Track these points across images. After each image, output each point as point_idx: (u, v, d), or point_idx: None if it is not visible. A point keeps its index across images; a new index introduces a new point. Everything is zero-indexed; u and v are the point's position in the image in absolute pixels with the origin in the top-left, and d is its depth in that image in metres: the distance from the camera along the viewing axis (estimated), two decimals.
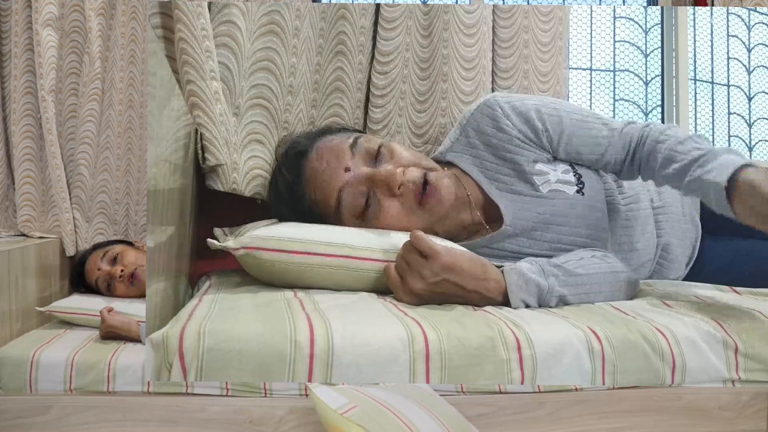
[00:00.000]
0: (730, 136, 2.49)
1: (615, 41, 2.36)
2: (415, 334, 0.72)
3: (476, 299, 0.87)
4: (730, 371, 0.82)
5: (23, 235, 1.61)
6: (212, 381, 1.04)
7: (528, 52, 1.40)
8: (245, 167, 1.15)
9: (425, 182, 1.00)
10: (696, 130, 2.40)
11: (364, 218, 1.00)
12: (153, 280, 0.77)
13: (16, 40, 1.58)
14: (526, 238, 1.06)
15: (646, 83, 2.38)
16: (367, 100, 1.30)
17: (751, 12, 2.52)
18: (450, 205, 1.03)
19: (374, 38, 1.29)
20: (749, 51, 2.52)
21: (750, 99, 2.53)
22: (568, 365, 0.75)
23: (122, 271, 1.48)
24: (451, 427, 0.91)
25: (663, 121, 2.36)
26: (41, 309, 1.41)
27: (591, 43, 2.34)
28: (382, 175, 0.99)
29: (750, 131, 2.54)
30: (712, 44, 2.44)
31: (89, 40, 1.60)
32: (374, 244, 0.93)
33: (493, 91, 1.39)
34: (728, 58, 2.48)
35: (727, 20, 2.48)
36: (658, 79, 2.38)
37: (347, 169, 1.00)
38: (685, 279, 1.21)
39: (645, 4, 2.33)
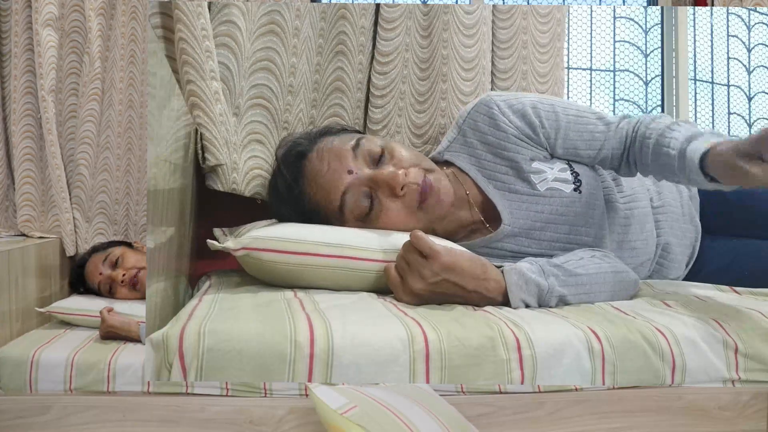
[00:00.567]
0: (730, 136, 2.49)
1: (615, 41, 2.36)
2: (415, 334, 0.72)
3: (476, 299, 0.87)
4: (730, 371, 0.82)
5: (23, 235, 1.61)
6: (212, 381, 1.04)
7: (527, 53, 1.40)
8: (245, 167, 1.15)
9: (425, 183, 1.00)
10: None
11: (365, 219, 1.01)
12: (153, 281, 0.77)
13: (16, 40, 1.58)
14: (525, 237, 1.06)
15: (646, 83, 2.38)
16: (367, 100, 1.30)
17: (751, 12, 2.52)
18: (449, 206, 1.03)
19: (374, 38, 1.29)
20: (749, 51, 2.52)
21: (750, 99, 2.53)
22: (568, 365, 0.75)
23: (124, 275, 1.48)
24: (451, 427, 0.91)
25: None
26: (41, 310, 1.41)
27: (591, 43, 2.34)
28: (385, 176, 0.99)
29: (750, 131, 2.54)
30: (712, 44, 2.44)
31: (89, 40, 1.60)
32: (374, 245, 0.93)
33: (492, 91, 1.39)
34: (728, 58, 2.48)
35: (727, 20, 2.48)
36: (658, 79, 2.38)
37: (350, 171, 1.00)
38: (685, 279, 1.21)
39: (645, 4, 2.33)
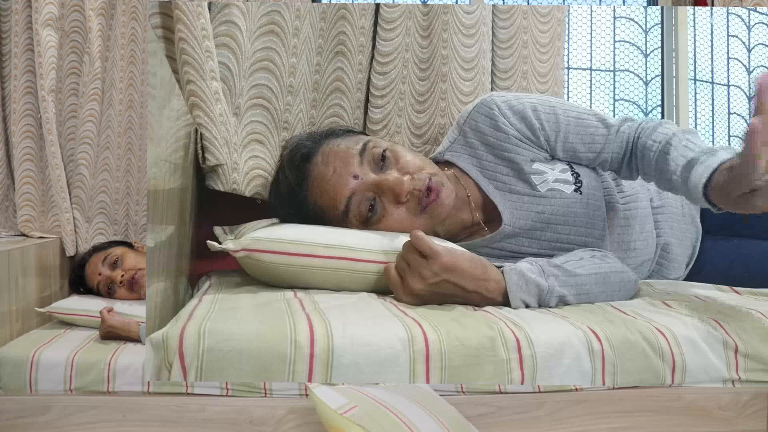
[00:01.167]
0: (730, 136, 2.49)
1: (615, 41, 2.36)
2: (415, 334, 0.72)
3: (476, 299, 0.87)
4: (730, 371, 0.82)
5: (23, 235, 1.61)
6: (212, 381, 1.05)
7: (527, 52, 1.40)
8: (245, 167, 1.15)
9: (429, 189, 1.00)
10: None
11: (368, 223, 1.01)
12: (153, 281, 0.77)
13: (16, 40, 1.58)
14: (525, 238, 1.06)
15: (646, 83, 2.38)
16: (367, 100, 1.30)
17: (751, 12, 2.52)
18: (451, 208, 1.03)
19: (374, 38, 1.29)
20: (749, 51, 2.52)
21: (750, 99, 2.53)
22: (568, 365, 0.75)
23: (123, 276, 1.48)
24: (451, 427, 0.91)
25: None
26: (41, 310, 1.41)
27: (591, 43, 2.34)
28: (390, 183, 0.99)
29: None
30: (712, 44, 2.44)
31: (89, 40, 1.60)
32: (374, 246, 0.93)
33: (492, 91, 1.39)
34: (728, 58, 2.48)
35: (727, 20, 2.48)
36: (658, 79, 2.38)
37: (356, 176, 1.00)
38: (685, 279, 1.21)
39: (645, 4, 2.33)
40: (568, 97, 2.27)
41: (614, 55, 2.36)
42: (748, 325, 0.84)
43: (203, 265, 1.26)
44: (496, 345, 0.73)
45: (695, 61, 2.39)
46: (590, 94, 2.34)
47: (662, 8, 2.30)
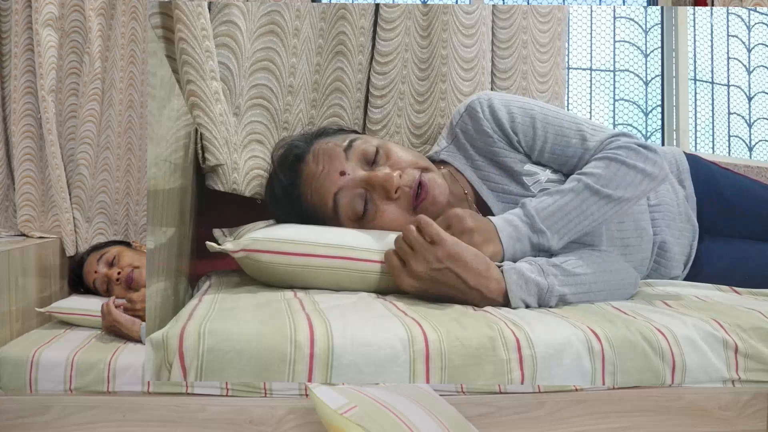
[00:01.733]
0: (730, 136, 2.49)
1: (615, 41, 2.36)
2: (415, 334, 0.72)
3: (476, 298, 0.87)
4: (730, 371, 0.82)
5: (23, 235, 1.61)
6: (212, 381, 1.04)
7: (527, 52, 1.40)
8: (245, 167, 1.15)
9: (420, 183, 1.00)
10: (696, 130, 2.40)
11: (360, 221, 1.01)
12: (153, 281, 0.77)
13: (16, 40, 1.58)
14: None
15: (646, 83, 2.38)
16: (367, 100, 1.30)
17: (751, 12, 2.52)
18: (444, 205, 1.02)
19: (374, 39, 1.29)
20: (749, 51, 2.52)
21: (750, 99, 2.53)
22: (568, 365, 0.75)
23: (119, 273, 1.48)
24: (451, 427, 0.92)
25: (663, 121, 2.36)
26: (41, 310, 1.41)
27: (591, 43, 2.34)
28: (379, 179, 0.99)
29: (750, 131, 2.54)
30: (712, 44, 2.45)
31: (89, 40, 1.60)
32: (373, 245, 0.93)
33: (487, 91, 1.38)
34: (728, 58, 2.48)
35: (727, 20, 2.48)
36: (658, 79, 2.38)
37: (343, 173, 1.00)
38: (685, 279, 1.20)
39: (645, 4, 2.33)
40: (568, 97, 2.27)
41: (614, 55, 2.36)
42: (748, 325, 0.84)
43: (203, 265, 1.26)
44: (496, 345, 0.73)
45: (695, 61, 2.39)
46: (590, 94, 2.34)
47: (662, 8, 2.30)
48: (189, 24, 1.01)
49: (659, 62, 2.37)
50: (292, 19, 1.20)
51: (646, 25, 2.37)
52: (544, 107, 1.11)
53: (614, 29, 2.35)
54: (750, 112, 2.51)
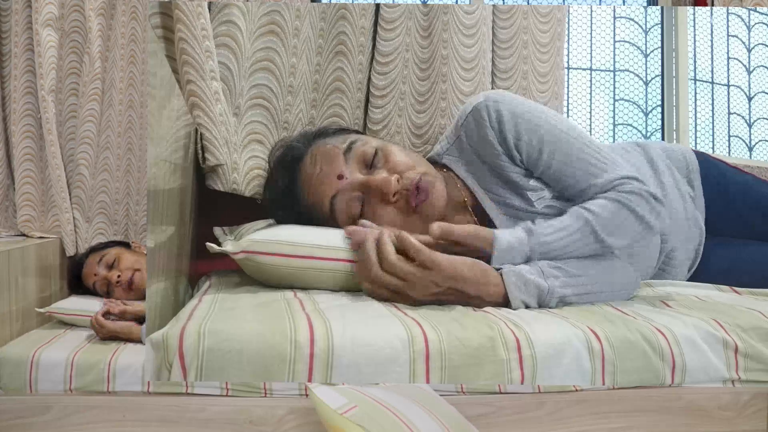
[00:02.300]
0: (730, 136, 2.49)
1: (615, 41, 2.36)
2: (415, 334, 0.72)
3: (477, 303, 0.87)
4: (730, 371, 0.82)
5: (23, 235, 1.61)
6: (212, 381, 1.04)
7: (527, 52, 1.40)
8: (245, 167, 1.15)
9: (418, 188, 0.98)
10: (696, 130, 2.40)
11: (358, 224, 1.00)
12: (153, 281, 0.77)
13: (16, 40, 1.58)
14: None
15: (646, 83, 2.38)
16: (367, 100, 1.30)
17: (751, 12, 2.52)
18: (443, 209, 1.01)
19: (374, 39, 1.29)
20: (749, 51, 2.52)
21: (750, 99, 2.53)
22: (568, 365, 0.75)
23: (119, 276, 1.47)
24: (451, 427, 0.91)
25: (663, 121, 2.36)
26: (41, 310, 1.41)
27: (591, 43, 2.34)
28: (377, 182, 0.98)
29: (750, 131, 2.54)
30: (712, 44, 2.45)
31: (89, 40, 1.60)
32: None
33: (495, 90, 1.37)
34: (728, 58, 2.48)
35: (727, 20, 2.48)
36: (658, 79, 2.38)
37: (341, 176, 0.99)
38: (687, 280, 1.20)
39: (645, 4, 2.33)
40: (568, 97, 2.27)
41: (614, 55, 2.36)
42: (748, 325, 0.84)
43: (203, 265, 1.26)
44: (496, 345, 0.73)
45: (695, 61, 2.39)
46: (590, 94, 2.34)
47: (662, 8, 2.30)
48: (189, 24, 1.01)
49: (659, 62, 2.37)
50: (292, 19, 1.20)
51: (646, 25, 2.37)
52: (554, 126, 1.01)
53: (614, 29, 2.35)
54: (750, 112, 2.51)
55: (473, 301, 0.86)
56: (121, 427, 1.07)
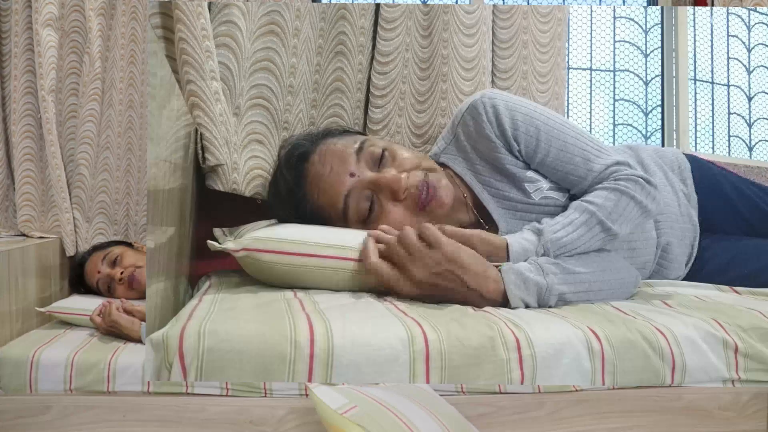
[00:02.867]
0: (730, 136, 2.49)
1: (615, 41, 2.36)
2: (415, 334, 0.72)
3: (475, 299, 0.87)
4: (730, 371, 0.82)
5: (23, 235, 1.61)
6: (212, 381, 1.05)
7: (527, 52, 1.40)
8: (245, 167, 1.15)
9: (427, 185, 1.00)
10: (696, 130, 2.40)
11: (367, 221, 1.01)
12: (153, 281, 0.77)
13: (16, 40, 1.58)
14: None
15: (646, 83, 2.38)
16: (367, 100, 1.30)
17: (751, 12, 2.52)
18: (450, 206, 1.03)
19: (374, 38, 1.29)
20: (749, 51, 2.52)
21: (750, 99, 2.53)
22: (568, 365, 0.75)
23: (122, 273, 1.48)
24: (451, 427, 0.91)
25: (663, 121, 2.36)
26: (41, 309, 1.41)
27: (591, 43, 2.34)
28: (387, 180, 0.99)
29: (750, 131, 2.54)
30: (712, 44, 2.45)
31: (89, 40, 1.60)
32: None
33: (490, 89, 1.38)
34: (728, 58, 2.48)
35: (727, 20, 2.48)
36: (658, 79, 2.38)
37: (352, 174, 1.01)
38: (685, 278, 1.21)
39: (645, 4, 2.33)
40: (568, 97, 2.27)
41: (614, 55, 2.36)
42: (748, 325, 0.84)
43: (203, 265, 1.26)
44: (496, 345, 0.73)
45: (695, 61, 2.40)
46: (590, 94, 2.34)
47: (662, 8, 2.30)
48: (189, 24, 1.01)
49: (659, 62, 2.37)
50: (292, 19, 1.20)
51: (646, 25, 2.37)
52: (549, 118, 1.06)
53: (614, 29, 2.35)
54: (750, 112, 2.51)
55: (472, 295, 0.86)
56: (121, 427, 1.08)
